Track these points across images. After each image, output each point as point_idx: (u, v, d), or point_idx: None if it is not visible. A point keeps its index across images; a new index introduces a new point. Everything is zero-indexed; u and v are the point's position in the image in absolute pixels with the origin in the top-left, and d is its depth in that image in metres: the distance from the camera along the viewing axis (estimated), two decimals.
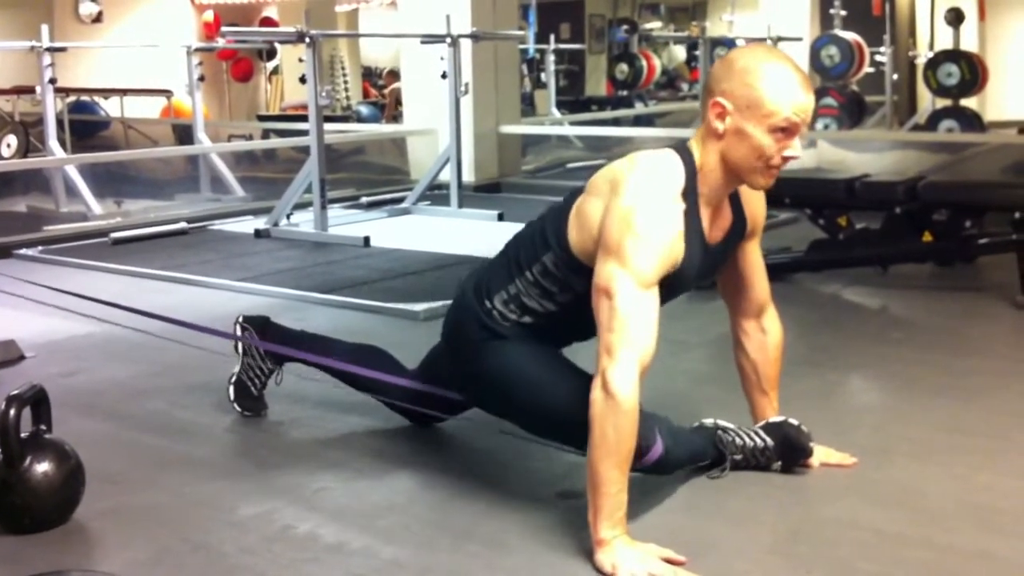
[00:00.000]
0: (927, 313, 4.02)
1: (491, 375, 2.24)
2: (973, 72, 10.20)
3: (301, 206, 6.07)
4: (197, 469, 2.51)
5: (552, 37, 12.11)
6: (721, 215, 2.19)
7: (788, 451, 2.36)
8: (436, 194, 6.99)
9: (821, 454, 2.40)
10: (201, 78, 8.04)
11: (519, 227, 2.35)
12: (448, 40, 6.54)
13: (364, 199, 7.10)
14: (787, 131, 2.03)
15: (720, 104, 2.05)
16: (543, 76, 12.34)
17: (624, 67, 12.94)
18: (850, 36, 11.17)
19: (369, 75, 16.21)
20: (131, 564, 2.03)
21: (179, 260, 5.18)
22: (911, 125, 11.03)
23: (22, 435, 2.16)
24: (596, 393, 1.94)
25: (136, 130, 11.12)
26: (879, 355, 3.42)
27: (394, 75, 12.45)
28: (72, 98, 10.63)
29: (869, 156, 8.13)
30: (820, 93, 10.60)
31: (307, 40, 5.75)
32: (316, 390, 2.92)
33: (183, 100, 10.40)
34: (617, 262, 1.96)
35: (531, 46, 12.37)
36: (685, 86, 16.64)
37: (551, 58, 11.67)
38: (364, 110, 12.96)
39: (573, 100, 12.96)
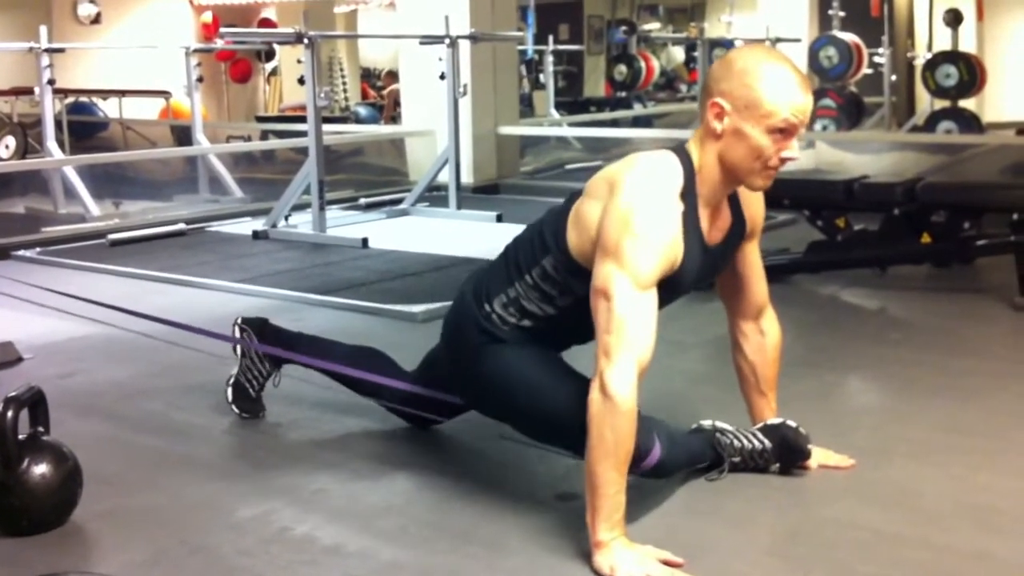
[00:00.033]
0: (925, 314, 4.02)
1: (490, 379, 2.24)
2: (971, 73, 10.20)
3: (299, 207, 6.07)
4: (195, 470, 2.51)
5: (551, 38, 12.13)
6: (720, 216, 2.19)
7: (786, 453, 2.36)
8: (435, 195, 6.99)
9: (819, 456, 2.40)
10: (200, 79, 8.04)
11: (517, 228, 2.35)
12: (447, 41, 6.54)
13: (363, 200, 7.10)
14: (785, 132, 2.03)
15: (719, 104, 2.05)
16: (542, 77, 12.34)
17: (623, 68, 12.95)
18: (848, 37, 11.17)
19: (368, 76, 16.21)
20: (129, 566, 2.03)
21: (177, 261, 5.17)
22: (909, 126, 11.03)
23: (20, 437, 2.16)
24: (594, 395, 1.93)
25: (135, 131, 11.12)
26: (877, 356, 3.43)
27: (393, 76, 12.46)
28: (70, 99, 10.62)
29: (867, 157, 8.13)
30: (818, 94, 10.60)
31: (306, 41, 5.75)
32: (314, 392, 2.92)
33: (182, 101, 10.40)
34: (615, 263, 1.96)
35: (530, 47, 12.37)
36: (684, 87, 16.65)
37: (549, 59, 11.68)
38: (363, 111, 12.95)
39: (572, 101, 12.96)
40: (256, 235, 5.83)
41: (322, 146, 5.86)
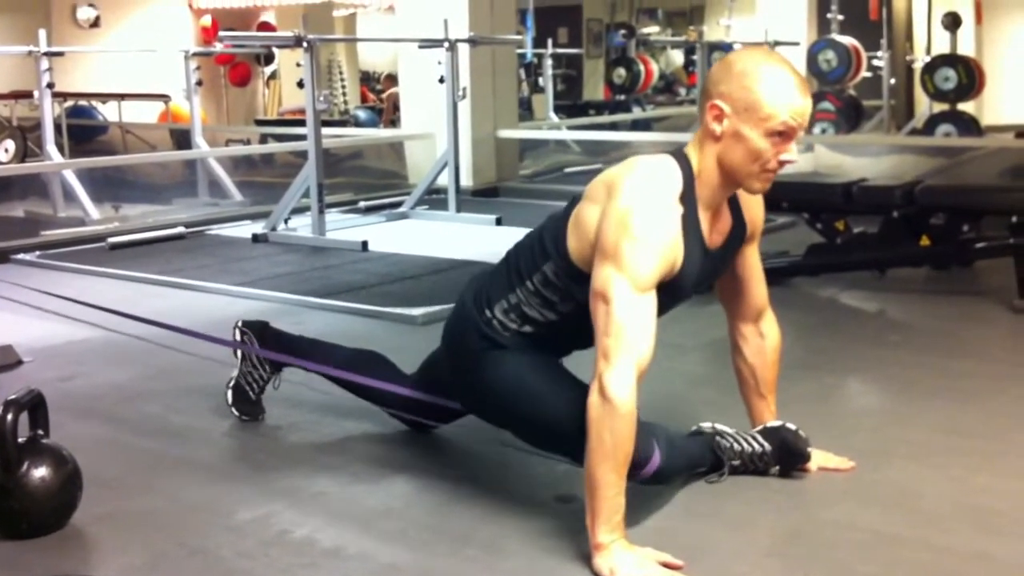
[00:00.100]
0: (924, 317, 4.03)
1: (490, 385, 2.24)
2: (970, 76, 10.21)
3: (299, 210, 6.07)
4: (194, 473, 2.51)
5: (550, 41, 12.13)
6: (720, 219, 2.19)
7: (786, 456, 2.36)
8: (434, 198, 6.99)
9: (819, 458, 2.40)
10: (199, 83, 8.04)
11: (517, 231, 2.36)
12: (446, 44, 6.55)
13: (362, 203, 7.09)
14: (784, 135, 2.03)
15: (718, 107, 2.05)
16: (541, 80, 12.35)
17: (622, 71, 12.95)
18: (847, 40, 11.19)
19: (367, 80, 16.22)
20: (128, 569, 2.03)
21: (176, 265, 5.18)
22: (908, 129, 11.05)
23: (19, 440, 2.16)
24: (593, 397, 1.93)
25: (134, 135, 11.12)
26: (877, 358, 3.43)
27: (392, 79, 12.47)
28: (70, 103, 10.63)
29: (866, 160, 8.14)
30: (817, 97, 10.61)
31: (305, 45, 5.75)
32: (314, 395, 2.92)
33: (181, 105, 10.39)
34: (614, 266, 1.96)
35: (529, 50, 12.38)
36: (683, 90, 16.66)
37: (549, 62, 11.70)
38: (362, 114, 12.96)
39: (571, 104, 12.97)
40: (256, 238, 5.83)
41: (321, 149, 5.86)
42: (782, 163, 2.06)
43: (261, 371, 2.81)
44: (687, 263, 2.06)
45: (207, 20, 13.63)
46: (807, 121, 2.06)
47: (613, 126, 11.65)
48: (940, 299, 4.31)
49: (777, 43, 10.42)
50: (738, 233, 2.25)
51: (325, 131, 6.30)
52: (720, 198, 2.15)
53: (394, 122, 11.65)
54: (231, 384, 2.83)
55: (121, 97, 10.84)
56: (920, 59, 11.35)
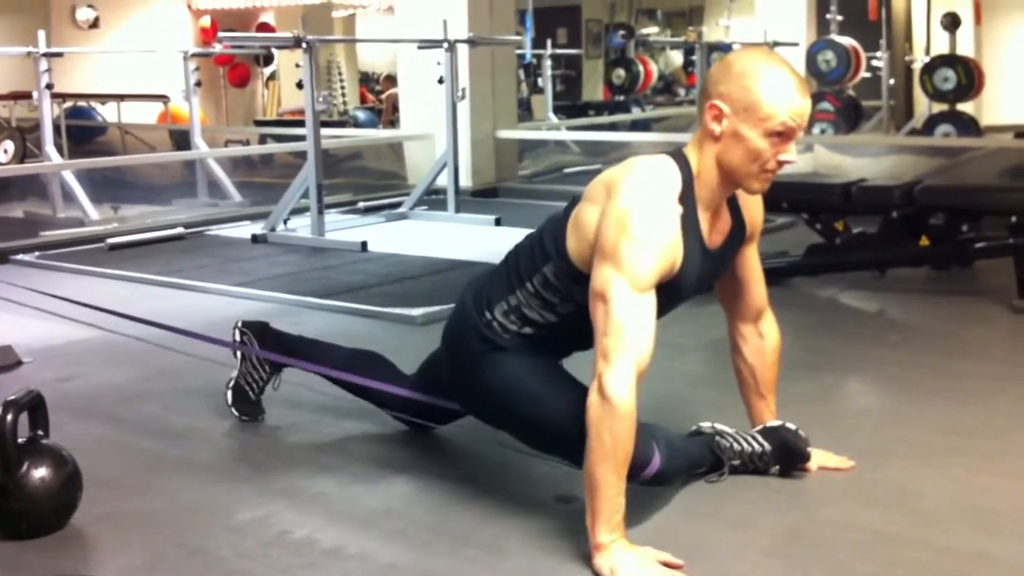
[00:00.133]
0: (924, 316, 4.03)
1: (490, 387, 2.24)
2: (969, 77, 10.22)
3: (298, 211, 6.07)
4: (194, 474, 2.51)
5: (549, 42, 12.13)
6: (720, 219, 2.19)
7: (786, 456, 2.36)
8: (433, 199, 6.99)
9: (819, 458, 2.40)
10: (198, 83, 8.04)
11: (516, 232, 2.36)
12: (445, 45, 6.55)
13: (361, 204, 7.09)
14: (783, 135, 2.03)
15: (717, 107, 2.05)
16: (540, 81, 12.35)
17: (621, 72, 12.96)
18: (846, 41, 11.19)
19: (366, 80, 16.23)
20: (128, 569, 2.03)
21: (176, 265, 5.17)
22: (908, 130, 11.05)
23: (19, 440, 2.15)
24: (593, 397, 1.93)
25: (133, 135, 11.13)
26: (876, 358, 3.43)
27: (391, 80, 12.47)
28: (69, 103, 10.63)
29: (866, 160, 8.15)
30: (817, 98, 10.60)
31: (304, 45, 5.75)
32: (314, 395, 2.92)
33: (180, 105, 10.39)
34: (612, 266, 1.96)
35: (528, 51, 12.37)
36: (682, 91, 16.67)
37: (548, 63, 11.69)
38: (361, 115, 12.97)
39: (570, 105, 12.97)
40: (255, 239, 5.83)
41: (320, 150, 5.86)
42: (781, 163, 2.06)
43: (261, 371, 2.81)
44: (687, 263, 2.06)
45: (206, 21, 13.63)
46: (806, 121, 2.06)
47: (612, 127, 11.66)
48: (940, 299, 4.31)
49: (776, 44, 10.42)
50: (738, 233, 2.25)
51: (324, 132, 6.30)
52: (719, 198, 2.15)
53: (393, 123, 11.66)
54: (231, 384, 2.83)
55: (120, 98, 10.84)
56: (919, 59, 11.35)
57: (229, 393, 2.83)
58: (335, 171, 8.54)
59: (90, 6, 12.79)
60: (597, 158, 8.89)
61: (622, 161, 2.11)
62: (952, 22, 10.51)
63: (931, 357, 3.41)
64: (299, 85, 8.66)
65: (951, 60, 10.37)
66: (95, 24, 12.83)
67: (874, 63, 11.50)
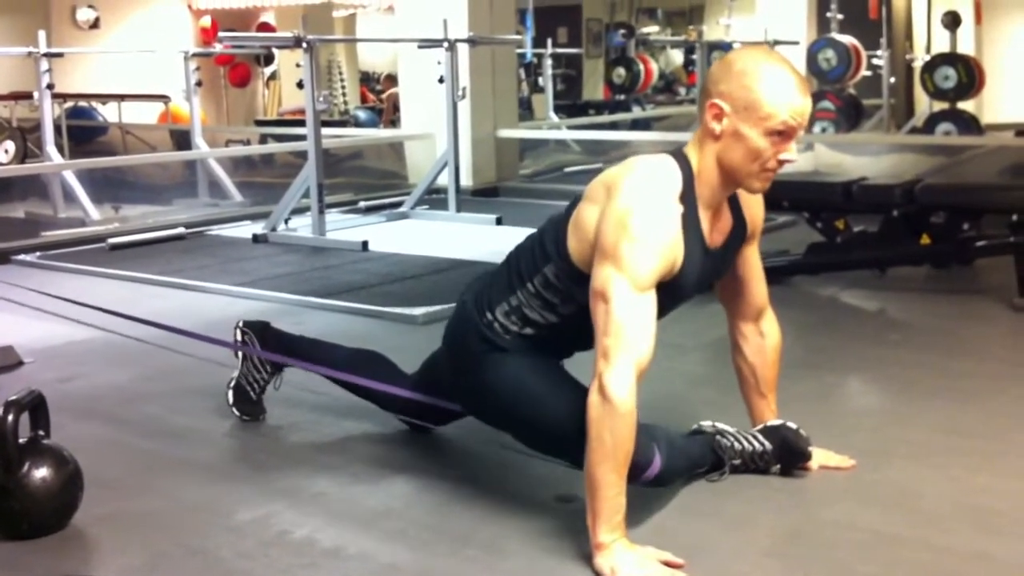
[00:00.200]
0: (925, 315, 4.03)
1: (491, 388, 2.23)
2: (970, 75, 10.21)
3: (299, 211, 6.07)
4: (195, 474, 2.51)
5: (549, 41, 12.13)
6: (721, 219, 2.19)
7: (786, 455, 2.36)
8: (434, 198, 6.99)
9: (820, 457, 2.40)
10: (199, 83, 8.05)
11: (517, 231, 2.36)
12: (445, 45, 6.55)
13: (362, 204, 7.09)
14: (784, 134, 2.03)
15: (717, 106, 2.05)
16: (540, 80, 12.35)
17: (621, 71, 12.96)
18: (847, 39, 11.18)
19: (367, 80, 16.22)
20: (128, 569, 2.03)
21: (176, 265, 5.18)
22: (908, 128, 11.04)
23: (20, 440, 2.16)
24: (593, 397, 1.93)
25: (134, 135, 11.13)
26: (877, 357, 3.43)
27: (392, 80, 12.47)
28: (70, 104, 10.63)
29: (866, 159, 8.14)
30: (817, 96, 10.60)
31: (304, 45, 5.75)
32: (314, 395, 2.92)
33: (181, 105, 10.40)
34: (613, 266, 1.96)
35: (528, 50, 12.38)
36: (682, 90, 16.67)
37: (548, 62, 11.70)
38: (362, 115, 12.96)
39: (571, 104, 12.97)
40: (256, 239, 5.83)
41: (321, 150, 5.86)
42: (781, 162, 2.06)
43: (262, 372, 2.81)
44: (687, 263, 2.06)
45: (207, 21, 13.63)
46: (807, 120, 2.06)
47: (613, 126, 11.66)
48: (940, 298, 4.31)
49: (777, 42, 10.42)
50: (739, 232, 2.25)
51: (325, 131, 6.31)
52: (720, 197, 2.15)
53: (394, 122, 11.66)
54: (232, 384, 2.83)
55: (121, 98, 10.85)
56: (920, 58, 11.35)
57: (230, 393, 2.83)
58: (336, 171, 8.54)
59: (90, 6, 12.79)
60: (598, 157, 8.89)
61: (623, 160, 2.11)
62: (953, 20, 10.51)
63: (931, 356, 3.41)
64: (300, 85, 8.65)
65: (952, 58, 10.37)
66: (95, 24, 12.83)
67: (875, 61, 11.49)
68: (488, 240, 5.67)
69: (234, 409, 2.83)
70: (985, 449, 2.56)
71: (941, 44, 11.22)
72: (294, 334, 2.88)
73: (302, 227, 5.96)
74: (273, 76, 14.59)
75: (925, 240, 4.24)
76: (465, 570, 1.99)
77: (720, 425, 2.41)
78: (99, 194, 6.89)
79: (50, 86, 6.84)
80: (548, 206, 6.36)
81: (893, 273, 4.45)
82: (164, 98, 11.19)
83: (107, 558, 2.11)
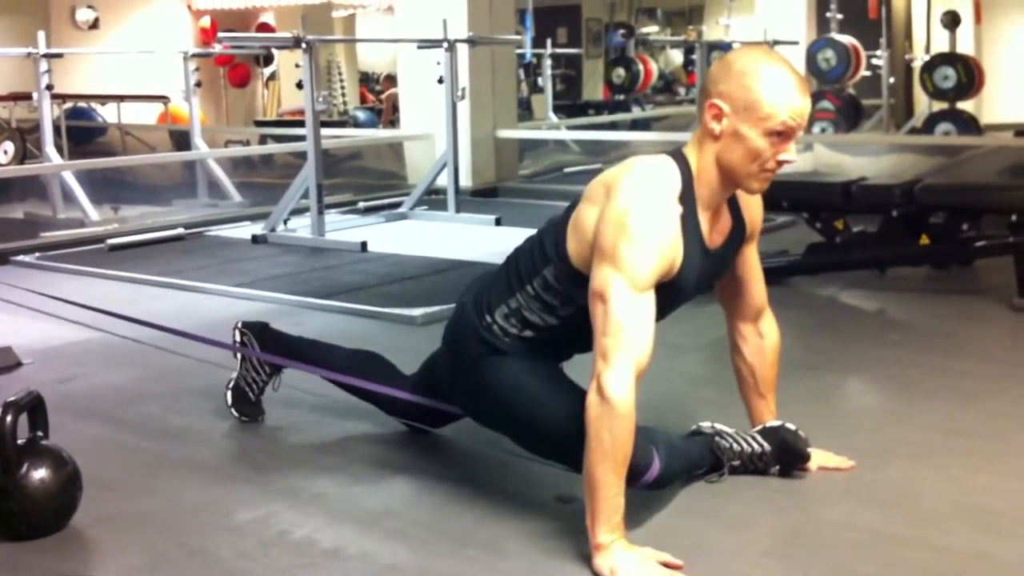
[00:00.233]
0: (924, 316, 4.03)
1: (490, 391, 2.23)
2: (969, 75, 10.21)
3: (298, 211, 6.07)
4: (194, 474, 2.51)
5: (549, 42, 12.13)
6: (720, 219, 2.19)
7: (786, 456, 2.36)
8: (433, 199, 6.99)
9: (819, 458, 2.40)
10: (198, 84, 8.05)
11: (516, 232, 2.36)
12: (445, 45, 6.55)
13: (361, 204, 7.10)
14: (783, 135, 2.03)
15: (717, 106, 2.04)
16: (540, 80, 12.35)
17: (621, 71, 12.95)
18: (846, 39, 11.18)
19: (366, 80, 16.23)
20: (128, 570, 2.03)
21: (176, 266, 5.18)
22: (908, 128, 11.04)
23: (19, 441, 2.15)
24: (592, 397, 1.93)
25: (133, 136, 11.13)
26: (876, 358, 3.43)
27: (391, 80, 12.47)
28: (69, 104, 10.63)
29: (866, 159, 8.14)
30: (817, 96, 10.60)
31: (304, 45, 5.75)
32: (313, 396, 2.92)
33: (180, 106, 10.39)
34: (611, 266, 1.96)
35: (528, 51, 12.37)
36: (682, 90, 16.66)
37: (548, 62, 11.69)
38: (361, 115, 12.96)
39: (570, 104, 12.97)
40: (255, 239, 5.83)
41: (321, 150, 5.86)
42: (781, 163, 2.06)
43: (261, 372, 2.81)
44: (687, 264, 2.06)
45: (206, 21, 13.63)
46: (806, 121, 2.06)
47: (612, 126, 11.66)
48: (940, 298, 4.31)
49: (776, 42, 10.42)
50: (738, 233, 2.25)
51: (324, 132, 6.30)
52: (720, 198, 2.14)
53: (393, 123, 11.66)
54: (231, 385, 2.83)
55: (120, 98, 10.84)
56: (919, 58, 11.35)
57: (229, 394, 2.83)
58: (335, 171, 8.54)
59: (90, 7, 12.79)
60: (597, 157, 8.89)
61: (622, 161, 2.11)
62: (952, 20, 10.51)
63: (931, 356, 3.41)
64: (299, 85, 8.65)
65: (951, 58, 10.37)
66: (95, 25, 12.83)
67: (874, 61, 11.49)
68: (487, 241, 5.67)
69: (233, 410, 2.83)
70: (985, 449, 2.56)
71: (940, 44, 11.22)
72: (293, 335, 2.88)
73: (301, 228, 5.96)
74: (272, 76, 14.58)
75: (924, 240, 4.24)
76: (465, 570, 1.99)
77: (719, 426, 2.40)
78: (98, 195, 6.89)
79: (49, 87, 6.84)
80: (547, 207, 6.36)
81: (892, 273, 4.45)
82: (163, 99, 11.19)
83: (107, 559, 2.10)
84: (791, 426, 2.37)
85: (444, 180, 6.68)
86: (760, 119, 2.01)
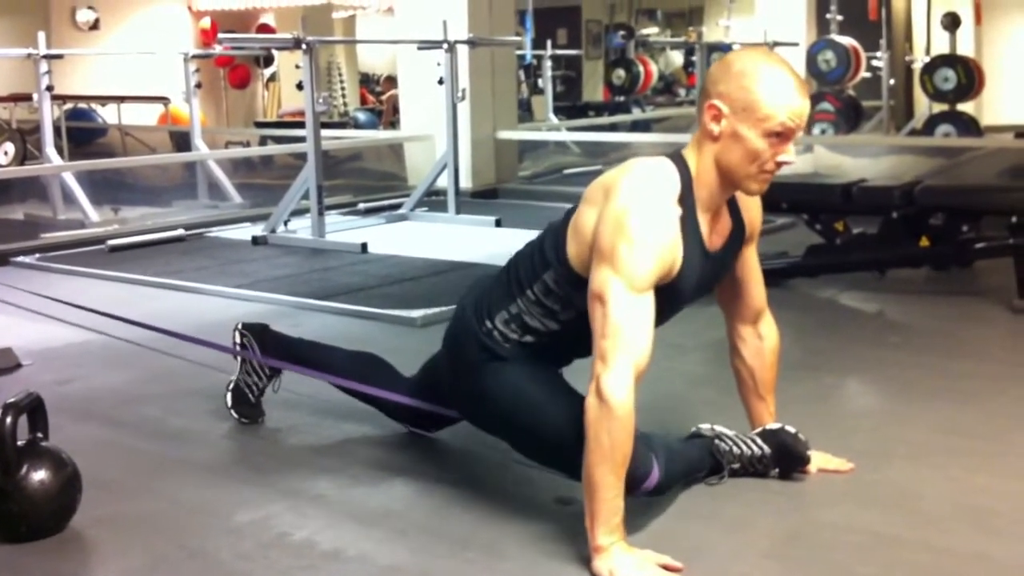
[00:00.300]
0: (924, 317, 4.03)
1: (490, 396, 2.23)
2: (969, 77, 10.21)
3: (298, 213, 6.07)
4: (194, 475, 2.51)
5: (549, 43, 12.13)
6: (720, 222, 2.18)
7: (785, 459, 2.36)
8: (433, 200, 7.00)
9: (818, 460, 2.40)
10: (198, 85, 8.05)
11: (516, 233, 2.36)
12: (445, 46, 6.55)
13: (361, 205, 7.10)
14: (782, 136, 2.03)
15: (716, 107, 2.04)
16: (540, 82, 12.35)
17: (621, 72, 12.95)
18: (846, 41, 11.19)
19: (366, 81, 16.23)
20: (127, 572, 2.03)
21: (176, 267, 5.18)
22: (908, 130, 11.05)
23: (18, 443, 2.15)
24: (591, 399, 1.93)
25: (133, 137, 11.13)
26: (876, 359, 3.43)
27: (391, 81, 12.47)
28: (69, 105, 10.63)
29: (866, 161, 8.14)
30: (817, 98, 10.61)
31: (304, 47, 5.75)
32: (313, 397, 2.92)
33: (180, 107, 10.40)
34: (610, 267, 1.96)
35: (528, 52, 12.38)
36: (682, 91, 16.67)
37: (548, 64, 11.69)
38: (361, 116, 12.97)
39: (570, 106, 12.98)
40: (255, 240, 5.83)
41: (321, 151, 5.86)
42: (780, 164, 2.06)
43: (261, 374, 2.81)
44: (686, 266, 2.05)
45: (206, 22, 13.63)
46: (805, 122, 2.06)
47: (612, 127, 11.66)
48: (939, 300, 4.31)
49: (776, 44, 10.42)
50: (738, 235, 2.24)
51: (324, 133, 6.30)
52: (719, 200, 2.14)
53: (393, 124, 11.66)
54: (231, 386, 2.84)
55: (120, 99, 10.85)
56: (919, 59, 11.36)
57: (229, 395, 2.83)
58: (335, 172, 8.54)
59: (90, 7, 12.79)
60: (597, 159, 8.89)
61: (622, 162, 2.11)
62: (952, 22, 10.51)
63: (930, 358, 3.41)
64: (299, 86, 8.66)
65: (951, 60, 10.37)
66: (95, 26, 12.83)
67: (874, 63, 11.50)
68: (487, 242, 5.66)
69: (233, 412, 2.83)
70: (985, 450, 2.56)
71: (941, 45, 11.22)
72: (293, 336, 2.88)
73: (301, 229, 5.96)
74: (273, 78, 14.59)
75: (924, 242, 4.23)
76: (464, 572, 1.99)
77: (719, 428, 2.40)
78: (98, 196, 6.90)
79: (49, 88, 6.85)
80: (547, 208, 6.37)
81: (892, 275, 4.45)
82: (164, 100, 11.20)
83: (106, 560, 2.11)
84: (791, 429, 2.37)
85: (444, 181, 6.69)
86: (759, 120, 2.01)
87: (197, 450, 2.69)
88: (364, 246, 5.50)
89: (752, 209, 2.29)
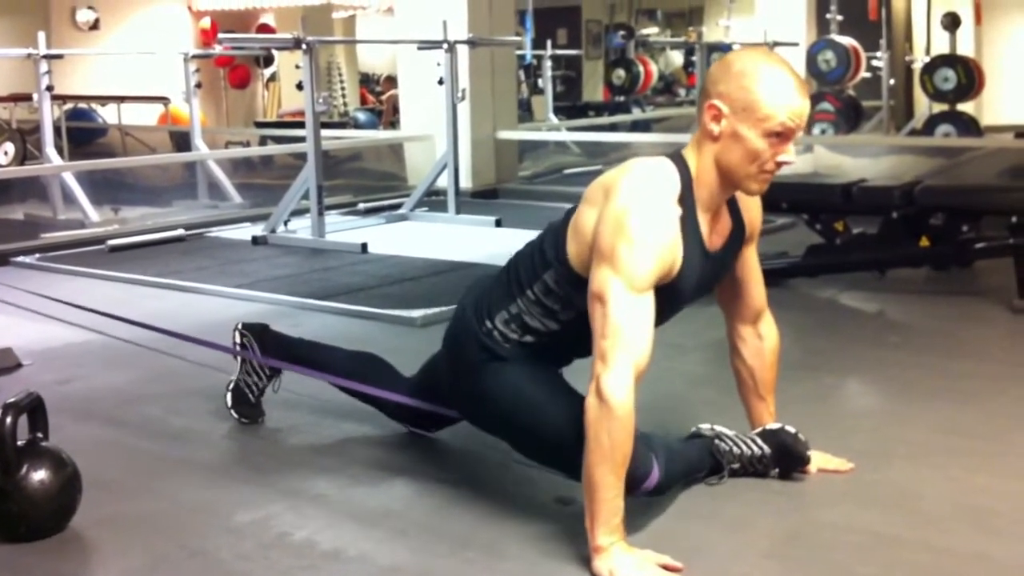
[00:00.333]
0: (924, 317, 4.03)
1: (489, 396, 2.23)
2: (970, 77, 10.21)
3: (298, 213, 6.07)
4: (194, 475, 2.51)
5: (549, 43, 12.13)
6: (720, 222, 2.18)
7: (785, 459, 2.36)
8: (433, 200, 7.00)
9: (818, 460, 2.40)
10: (198, 85, 8.05)
11: (516, 233, 2.36)
12: (445, 46, 6.55)
13: (361, 205, 7.10)
14: (782, 136, 2.03)
15: (716, 107, 2.04)
16: (540, 82, 12.35)
17: (621, 72, 12.95)
18: (846, 41, 11.18)
19: (366, 81, 16.23)
20: (128, 572, 2.03)
21: (175, 267, 5.18)
22: (908, 130, 11.05)
23: (19, 443, 2.15)
24: (591, 399, 1.93)
25: (133, 137, 11.13)
26: (876, 359, 3.43)
27: (391, 81, 12.47)
28: (69, 105, 10.63)
29: (866, 161, 8.14)
30: (817, 98, 10.60)
31: (304, 47, 5.75)
32: (313, 397, 2.92)
33: (180, 107, 10.40)
34: (610, 267, 1.96)
35: (528, 52, 12.38)
36: (682, 91, 16.67)
37: (548, 64, 11.70)
38: (361, 116, 12.97)
39: (570, 106, 12.98)
40: (255, 240, 5.83)
41: (321, 151, 5.86)
42: (780, 164, 2.06)
43: (261, 374, 2.81)
44: (686, 266, 2.05)
45: (206, 22, 13.63)
46: (805, 122, 2.06)
47: (612, 127, 11.66)
48: (939, 300, 4.31)
49: (776, 44, 10.42)
50: (738, 235, 2.24)
51: (324, 133, 6.30)
52: (719, 200, 2.14)
53: (393, 124, 11.66)
54: (231, 386, 2.84)
55: (120, 99, 10.85)
56: (919, 59, 11.36)
57: (229, 395, 2.83)
58: (335, 172, 8.54)
59: (90, 7, 12.79)
60: (597, 159, 8.90)
61: (622, 162, 2.11)
62: (952, 22, 10.51)
63: (930, 358, 3.41)
64: (299, 86, 8.66)
65: (951, 60, 10.37)
66: (95, 26, 12.83)
67: (874, 63, 11.50)
68: (487, 242, 5.66)
69: (233, 411, 2.83)
70: (985, 450, 2.56)
71: (941, 45, 11.22)
72: (293, 336, 2.88)
73: (301, 229, 5.96)
74: (273, 78, 14.59)
75: (924, 242, 4.23)
76: (464, 572, 1.99)
77: (719, 428, 2.40)
78: (99, 196, 6.89)
79: (49, 88, 6.85)
80: (548, 208, 6.37)
81: (892, 275, 4.45)
82: (164, 100, 11.20)
83: (106, 560, 2.11)
84: (791, 429, 2.37)
85: (444, 181, 6.69)
86: (759, 120, 2.01)
87: (197, 450, 2.69)
88: (364, 246, 5.50)
89: (752, 209, 2.28)
